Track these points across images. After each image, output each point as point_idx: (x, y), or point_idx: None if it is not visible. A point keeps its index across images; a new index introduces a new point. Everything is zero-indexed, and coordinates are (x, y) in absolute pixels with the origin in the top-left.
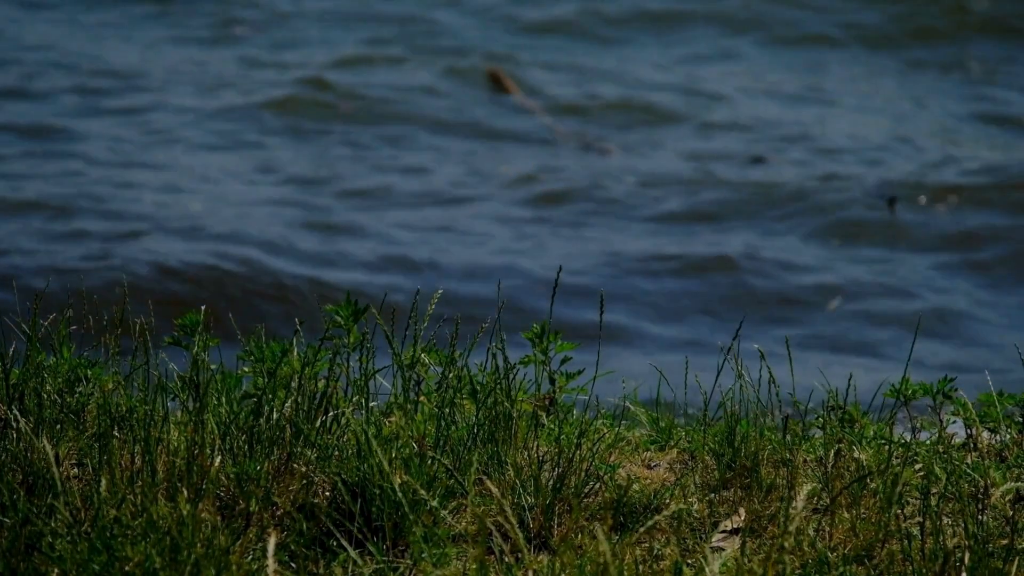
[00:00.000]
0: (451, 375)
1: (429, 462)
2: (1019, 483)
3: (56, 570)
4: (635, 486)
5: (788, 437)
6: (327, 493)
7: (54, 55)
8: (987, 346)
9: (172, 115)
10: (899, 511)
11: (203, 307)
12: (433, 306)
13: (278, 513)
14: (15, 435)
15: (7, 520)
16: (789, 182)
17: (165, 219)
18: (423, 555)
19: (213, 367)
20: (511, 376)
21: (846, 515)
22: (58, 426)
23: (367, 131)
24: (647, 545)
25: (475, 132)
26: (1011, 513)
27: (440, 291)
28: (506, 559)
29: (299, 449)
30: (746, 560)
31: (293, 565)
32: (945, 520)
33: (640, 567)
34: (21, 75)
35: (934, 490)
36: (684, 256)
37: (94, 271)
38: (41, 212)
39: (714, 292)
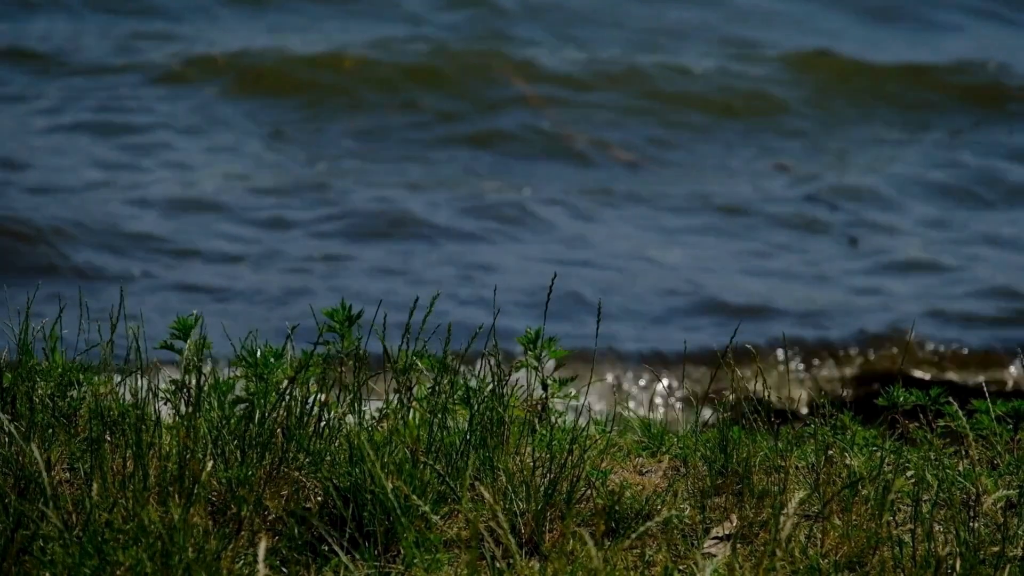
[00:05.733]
0: (444, 380)
1: (421, 467)
2: (1010, 491)
3: (47, 574)
4: (627, 492)
5: (780, 443)
6: (319, 498)
7: None
8: None
9: None
10: (890, 518)
11: (195, 312)
12: (430, 310)
13: (270, 518)
14: (7, 439)
15: None
16: None
17: None
18: (415, 560)
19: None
20: (504, 381)
21: (837, 522)
22: (50, 430)
23: None
24: (639, 551)
25: None
26: (1002, 520)
27: (438, 292)
28: (498, 564)
29: (291, 454)
30: (737, 566)
31: (284, 570)
32: (936, 527)
33: (631, 573)
34: None
35: (925, 497)
36: None
37: None
38: None
39: None
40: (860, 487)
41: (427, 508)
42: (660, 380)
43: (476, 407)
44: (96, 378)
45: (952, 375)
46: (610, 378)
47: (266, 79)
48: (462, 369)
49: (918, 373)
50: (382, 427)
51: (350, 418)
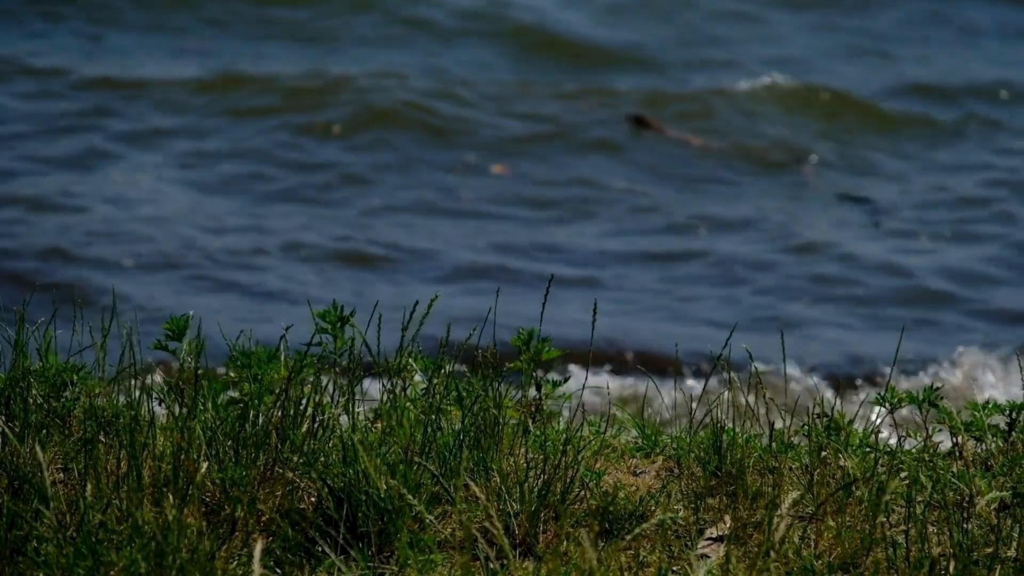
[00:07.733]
0: (437, 381)
1: (415, 468)
2: (1004, 492)
3: (41, 574)
4: (621, 493)
5: (774, 444)
6: (312, 499)
7: None
8: None
9: None
10: (884, 519)
11: (190, 312)
12: (415, 310)
13: (264, 519)
14: (1, 440)
15: None
16: None
17: None
18: (409, 561)
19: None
20: (498, 382)
21: (831, 523)
22: (44, 431)
23: None
24: (633, 552)
25: None
26: (996, 521)
27: (436, 295)
28: (492, 565)
29: (285, 455)
30: (731, 567)
31: (279, 571)
32: (930, 528)
33: (626, 574)
34: None
35: (919, 498)
36: None
37: None
38: None
39: None
40: (854, 488)
41: (421, 508)
42: (655, 381)
43: (469, 407)
44: (90, 378)
45: None
46: (607, 379)
47: None
48: (458, 368)
49: None
50: (376, 427)
51: (344, 419)
